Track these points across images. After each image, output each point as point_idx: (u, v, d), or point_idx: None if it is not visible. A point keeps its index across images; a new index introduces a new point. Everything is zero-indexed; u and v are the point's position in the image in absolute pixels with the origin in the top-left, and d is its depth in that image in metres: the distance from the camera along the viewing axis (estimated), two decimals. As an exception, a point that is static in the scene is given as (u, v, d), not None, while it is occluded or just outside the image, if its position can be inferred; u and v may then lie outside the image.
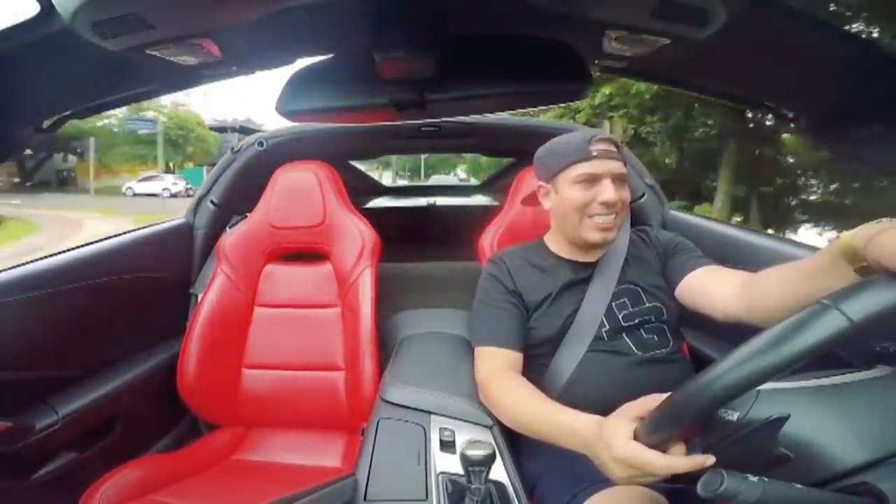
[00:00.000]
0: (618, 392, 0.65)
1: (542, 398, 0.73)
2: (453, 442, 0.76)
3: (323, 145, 1.47)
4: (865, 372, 0.48)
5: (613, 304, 0.87)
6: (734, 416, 0.46)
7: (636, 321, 0.86)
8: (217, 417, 1.20)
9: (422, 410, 0.83)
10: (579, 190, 0.85)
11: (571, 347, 0.85)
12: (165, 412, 1.22)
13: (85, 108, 0.64)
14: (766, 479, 0.40)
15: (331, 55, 0.63)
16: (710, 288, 0.81)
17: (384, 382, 0.94)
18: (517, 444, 0.87)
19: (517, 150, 1.86)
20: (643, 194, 1.38)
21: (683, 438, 0.51)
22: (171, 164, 20.56)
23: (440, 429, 0.79)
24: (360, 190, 2.05)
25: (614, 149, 0.86)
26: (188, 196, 15.10)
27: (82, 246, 1.08)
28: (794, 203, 9.95)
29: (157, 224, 1.33)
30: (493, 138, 1.67)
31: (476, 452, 0.59)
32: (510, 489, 0.70)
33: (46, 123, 0.62)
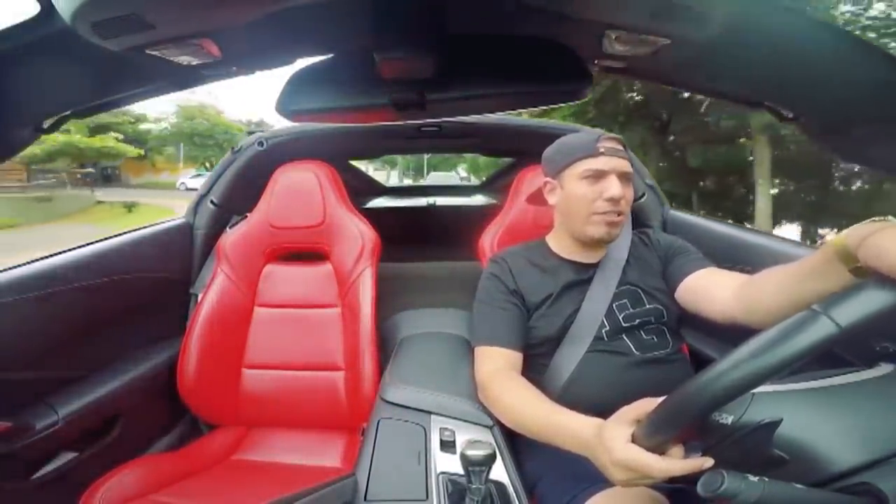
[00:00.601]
0: (617, 392, 0.65)
1: (543, 399, 0.73)
2: (453, 442, 0.76)
3: (323, 145, 1.47)
4: (865, 372, 0.49)
5: (614, 304, 0.87)
6: (729, 419, 0.46)
7: (636, 322, 0.86)
8: (217, 417, 1.20)
9: (422, 410, 0.83)
10: (585, 185, 0.86)
11: (571, 347, 0.85)
12: (165, 412, 1.22)
13: (85, 108, 0.64)
14: (766, 479, 0.40)
15: (331, 55, 0.63)
16: (710, 290, 0.81)
17: (384, 382, 0.94)
18: (517, 444, 0.87)
19: (517, 150, 1.86)
20: (643, 194, 1.38)
21: (681, 441, 0.51)
22: (206, 164, 21.15)
23: (440, 429, 0.79)
24: (360, 190, 2.05)
25: (621, 148, 0.88)
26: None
27: (82, 246, 1.08)
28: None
29: (157, 224, 1.33)
30: (494, 138, 1.67)
31: (476, 452, 0.60)
32: (510, 489, 0.70)
33: (46, 123, 0.62)
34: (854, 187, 8.55)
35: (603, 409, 0.62)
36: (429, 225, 2.11)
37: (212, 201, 1.40)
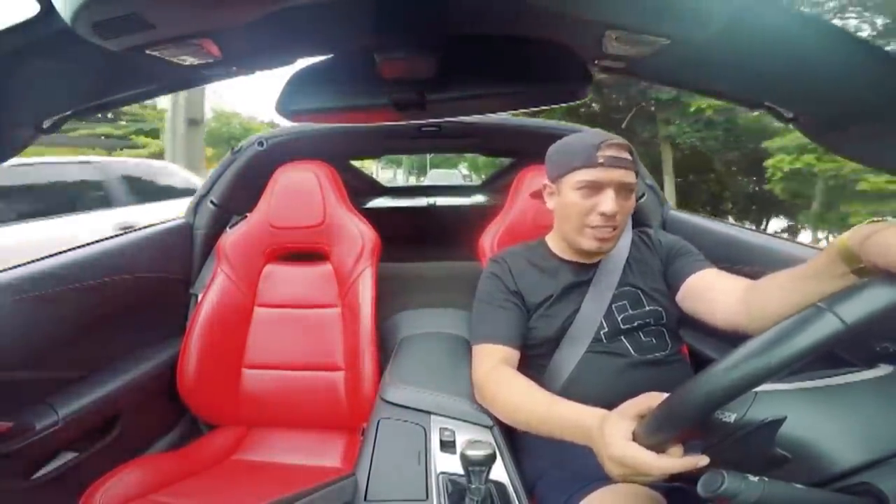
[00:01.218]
0: (615, 393, 0.65)
1: (541, 391, 0.73)
2: (453, 442, 0.76)
3: (323, 145, 1.47)
4: (866, 372, 0.49)
5: (613, 306, 0.87)
6: (731, 417, 0.46)
7: (635, 324, 0.86)
8: (217, 417, 1.20)
9: (422, 410, 0.83)
10: (579, 197, 0.83)
11: (570, 348, 0.85)
12: (165, 412, 1.22)
13: (85, 108, 0.64)
14: (766, 479, 0.40)
15: (331, 55, 0.63)
16: (711, 294, 0.81)
17: (384, 382, 0.94)
18: (517, 443, 0.87)
19: (517, 150, 1.86)
20: (643, 194, 1.38)
21: (682, 440, 0.51)
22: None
23: (440, 429, 0.79)
24: (360, 190, 2.05)
25: (625, 156, 0.82)
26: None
27: (82, 246, 1.08)
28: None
29: (158, 224, 1.33)
30: (494, 138, 1.67)
31: (476, 452, 0.60)
32: (510, 489, 0.70)
33: (46, 123, 0.62)
34: (739, 178, 10.10)
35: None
36: (429, 225, 2.11)
37: (212, 201, 1.40)
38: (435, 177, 15.42)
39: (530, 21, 0.55)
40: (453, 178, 14.63)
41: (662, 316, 0.87)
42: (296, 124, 1.40)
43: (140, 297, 1.17)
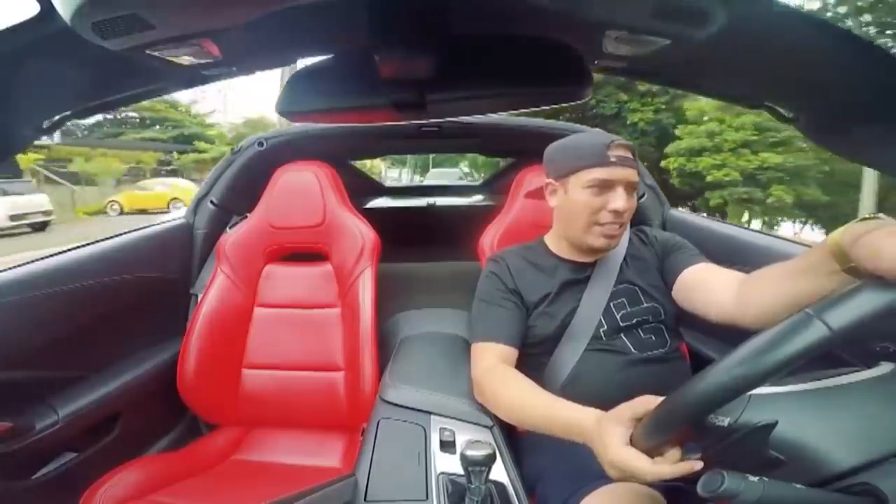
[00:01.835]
0: (615, 391, 0.65)
1: (540, 390, 0.73)
2: (453, 442, 0.76)
3: (323, 145, 1.47)
4: (865, 372, 0.49)
5: (612, 303, 0.87)
6: (725, 421, 0.46)
7: (634, 321, 0.86)
8: (217, 417, 1.20)
9: (422, 411, 0.83)
10: (590, 194, 0.84)
11: (569, 346, 0.86)
12: (165, 412, 1.22)
13: (85, 108, 0.64)
14: (766, 479, 0.40)
15: (331, 55, 0.63)
16: (706, 286, 0.81)
17: (384, 383, 0.94)
18: (517, 444, 0.87)
19: (517, 150, 1.86)
20: (643, 194, 1.38)
21: (679, 443, 0.52)
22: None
23: (440, 429, 0.79)
24: (360, 190, 2.05)
25: (631, 156, 0.85)
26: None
27: (82, 246, 1.08)
28: None
29: (157, 224, 1.33)
30: (494, 138, 1.67)
31: (476, 452, 0.59)
32: (510, 489, 0.70)
33: (46, 123, 0.62)
34: (655, 175, 12.50)
35: (601, 408, 0.62)
36: (428, 225, 2.11)
37: (212, 201, 1.40)
38: (434, 175, 15.58)
39: (530, 21, 0.55)
40: (452, 176, 14.81)
41: (661, 313, 0.88)
42: (296, 124, 1.40)
43: (140, 297, 1.17)
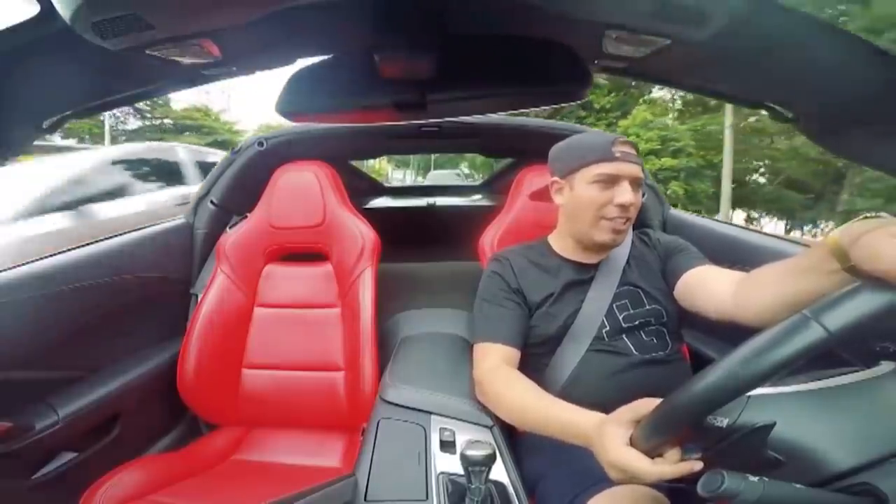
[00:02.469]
0: (616, 392, 0.65)
1: (542, 392, 0.73)
2: (453, 442, 0.76)
3: (323, 145, 1.47)
4: (865, 372, 0.48)
5: (614, 305, 0.87)
6: (724, 422, 0.46)
7: (636, 323, 0.86)
8: (217, 417, 1.20)
9: (422, 410, 0.83)
10: (597, 189, 0.85)
11: (571, 347, 0.86)
12: (165, 412, 1.22)
13: (85, 108, 0.64)
14: (766, 479, 0.40)
15: (331, 55, 0.63)
16: (706, 287, 0.81)
17: (384, 383, 0.94)
18: (517, 444, 0.87)
19: (517, 150, 1.86)
20: (643, 194, 1.38)
21: (679, 443, 0.52)
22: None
23: (440, 429, 0.79)
24: (360, 190, 2.05)
25: (634, 152, 0.86)
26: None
27: (82, 246, 1.08)
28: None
29: (158, 224, 1.33)
30: (494, 138, 1.66)
31: (476, 452, 0.59)
32: (510, 489, 0.70)
33: (46, 123, 0.62)
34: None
35: (602, 409, 0.62)
36: (429, 225, 2.10)
37: (212, 201, 1.40)
38: (434, 177, 15.69)
39: (530, 21, 0.55)
40: (451, 177, 14.98)
41: (663, 315, 0.88)
42: (296, 124, 1.40)
43: (140, 296, 1.17)
